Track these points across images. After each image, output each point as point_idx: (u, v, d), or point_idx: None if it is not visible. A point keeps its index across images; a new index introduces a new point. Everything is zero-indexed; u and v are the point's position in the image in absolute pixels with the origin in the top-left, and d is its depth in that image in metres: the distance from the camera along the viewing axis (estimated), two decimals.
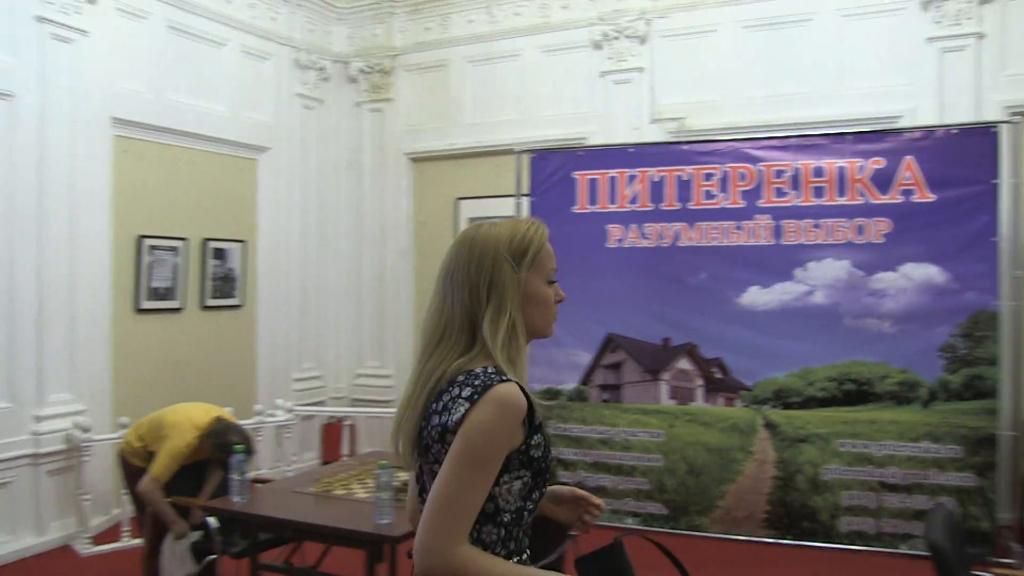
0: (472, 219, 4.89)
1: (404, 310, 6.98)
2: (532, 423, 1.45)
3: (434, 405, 1.47)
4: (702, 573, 4.12)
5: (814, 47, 5.67)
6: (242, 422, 4.37)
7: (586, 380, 5.24)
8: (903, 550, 4.69)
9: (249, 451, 3.64)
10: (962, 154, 4.70)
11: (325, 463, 6.31)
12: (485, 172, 6.60)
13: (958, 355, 4.65)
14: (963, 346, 4.63)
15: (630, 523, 5.12)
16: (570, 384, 5.26)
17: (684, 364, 5.03)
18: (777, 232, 4.91)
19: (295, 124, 6.71)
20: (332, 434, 6.48)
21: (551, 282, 1.56)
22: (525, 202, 5.37)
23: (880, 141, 4.83)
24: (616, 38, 6.16)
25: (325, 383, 7.10)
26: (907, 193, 4.75)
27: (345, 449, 6.30)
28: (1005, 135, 4.64)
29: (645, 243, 5.14)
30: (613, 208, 5.21)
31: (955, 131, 4.75)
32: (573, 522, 1.70)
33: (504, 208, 5.66)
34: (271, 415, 5.86)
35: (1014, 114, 4.63)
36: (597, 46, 6.25)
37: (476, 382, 1.42)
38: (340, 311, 7.12)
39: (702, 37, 5.98)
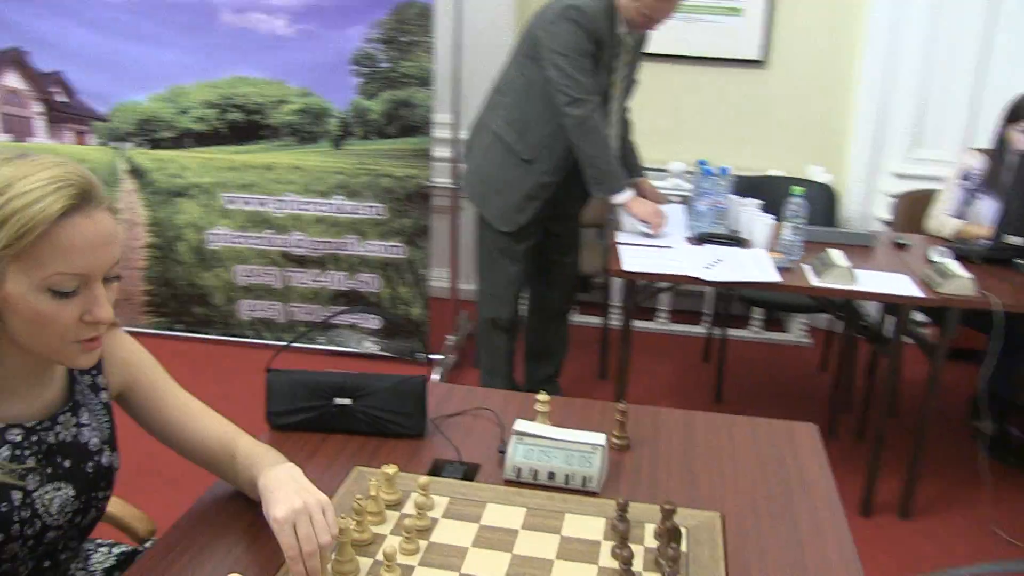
0: None
1: None
2: None
3: None
4: None
5: None
6: None
7: None
8: (321, 345, 3.92)
9: None
10: None
11: None
12: None
13: (378, 70, 3.57)
14: (385, 56, 3.55)
15: None
16: None
17: (13, 81, 3.82)
18: None
19: None
20: None
21: (62, 293, 1.04)
22: None
23: None
24: None
25: None
26: None
27: None
28: None
29: None
30: None
31: None
32: None
33: None
34: None
35: None
36: None
37: None
38: None
39: None
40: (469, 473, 1.50)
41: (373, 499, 1.33)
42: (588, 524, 1.34)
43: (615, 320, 3.81)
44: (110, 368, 1.31)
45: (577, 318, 4.22)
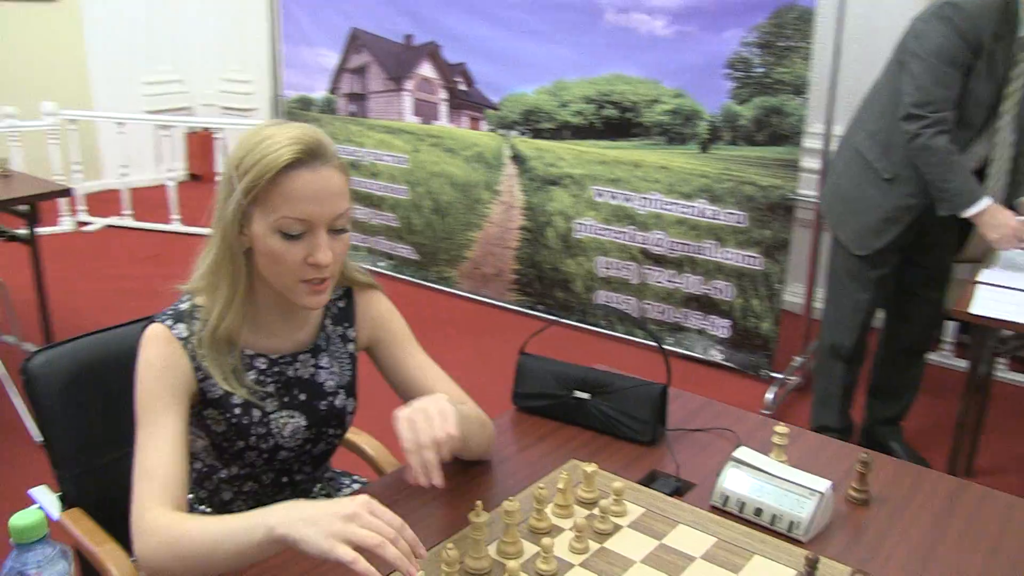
0: None
1: None
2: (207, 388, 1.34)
3: None
4: (445, 333, 3.87)
5: None
6: None
7: (334, 87, 4.79)
8: (667, 347, 4.00)
9: None
10: None
11: (193, 176, 6.61)
12: None
13: (752, 75, 3.53)
14: (760, 61, 3.50)
15: (382, 267, 4.86)
16: (320, 92, 4.86)
17: (427, 71, 4.36)
18: None
19: None
20: (199, 145, 6.64)
21: (290, 236, 1.25)
22: None
23: None
24: None
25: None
26: None
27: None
28: None
29: None
30: None
31: None
32: None
33: None
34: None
35: None
36: None
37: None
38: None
39: None
40: (680, 490, 1.49)
41: (561, 492, 1.38)
42: (773, 571, 1.27)
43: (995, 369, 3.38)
44: (362, 323, 1.52)
45: (947, 360, 3.82)
